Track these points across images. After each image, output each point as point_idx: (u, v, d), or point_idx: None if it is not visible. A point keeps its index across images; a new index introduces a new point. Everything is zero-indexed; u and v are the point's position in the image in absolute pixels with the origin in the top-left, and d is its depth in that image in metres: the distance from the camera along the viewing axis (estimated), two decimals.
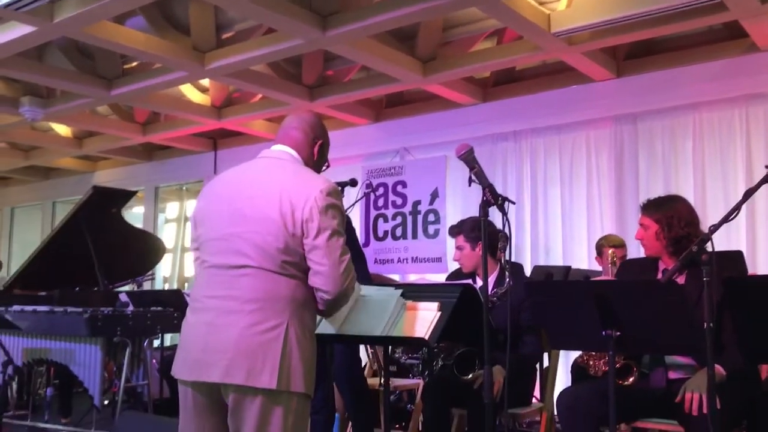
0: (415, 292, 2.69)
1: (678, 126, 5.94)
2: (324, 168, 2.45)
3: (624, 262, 3.59)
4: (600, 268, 5.12)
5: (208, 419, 2.19)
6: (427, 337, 2.49)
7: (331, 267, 2.10)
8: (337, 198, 2.16)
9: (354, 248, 4.12)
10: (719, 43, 5.72)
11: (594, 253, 5.33)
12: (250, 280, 2.11)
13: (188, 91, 7.35)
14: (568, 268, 5.53)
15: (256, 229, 2.13)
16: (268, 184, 2.18)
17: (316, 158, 2.35)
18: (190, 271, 9.92)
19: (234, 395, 2.09)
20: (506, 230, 2.60)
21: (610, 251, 4.25)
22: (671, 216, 3.01)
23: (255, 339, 2.07)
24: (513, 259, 6.20)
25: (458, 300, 2.61)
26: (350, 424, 4.26)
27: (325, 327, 2.73)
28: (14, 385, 5.71)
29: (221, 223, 2.20)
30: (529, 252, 6.61)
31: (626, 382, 2.91)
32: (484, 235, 2.48)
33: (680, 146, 5.92)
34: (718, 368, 2.74)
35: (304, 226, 2.10)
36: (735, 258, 3.74)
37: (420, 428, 4.22)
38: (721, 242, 5.14)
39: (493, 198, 2.42)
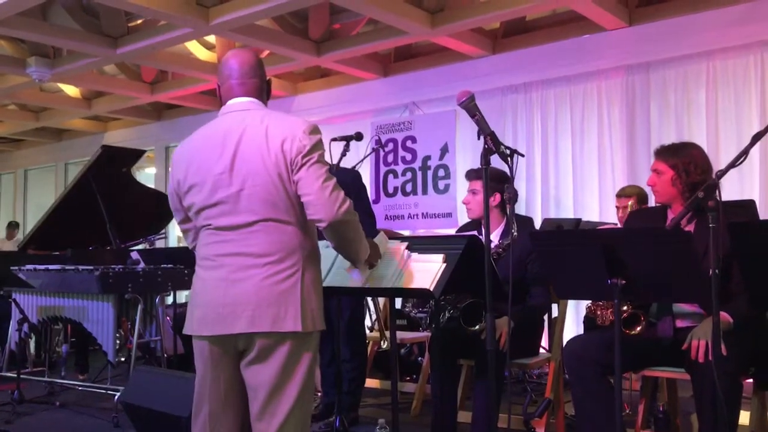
0: (420, 245, 2.68)
1: (691, 74, 5.82)
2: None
3: (632, 212, 3.56)
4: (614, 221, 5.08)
5: (223, 370, 2.26)
6: (432, 289, 2.50)
7: (316, 192, 2.14)
8: (317, 133, 2.22)
9: (363, 205, 4.14)
10: None
11: (605, 205, 5.30)
12: (262, 234, 2.17)
13: (195, 48, 7.29)
14: (578, 221, 5.50)
15: (256, 183, 2.16)
16: (252, 137, 2.19)
17: (267, 99, 2.38)
18: None
19: (261, 341, 2.17)
20: (511, 180, 2.56)
21: (630, 201, 4.23)
22: (688, 162, 2.96)
23: (275, 288, 2.16)
24: (523, 212, 6.25)
25: (463, 251, 2.60)
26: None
27: (332, 280, 2.75)
28: (32, 343, 5.81)
29: (216, 186, 2.20)
30: (539, 205, 6.57)
31: (634, 332, 2.91)
32: (486, 182, 2.45)
33: (693, 95, 5.81)
34: (725, 316, 2.73)
35: (293, 167, 2.15)
36: (746, 206, 3.70)
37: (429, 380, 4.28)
38: (734, 192, 5.12)
39: (494, 145, 2.38)
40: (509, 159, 2.48)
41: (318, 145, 2.19)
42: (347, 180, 4.10)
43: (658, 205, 3.19)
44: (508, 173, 2.53)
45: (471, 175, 3.75)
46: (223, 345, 2.23)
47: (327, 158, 2.28)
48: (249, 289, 2.15)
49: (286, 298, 2.16)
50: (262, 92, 2.34)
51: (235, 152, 2.19)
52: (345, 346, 4.06)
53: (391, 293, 2.94)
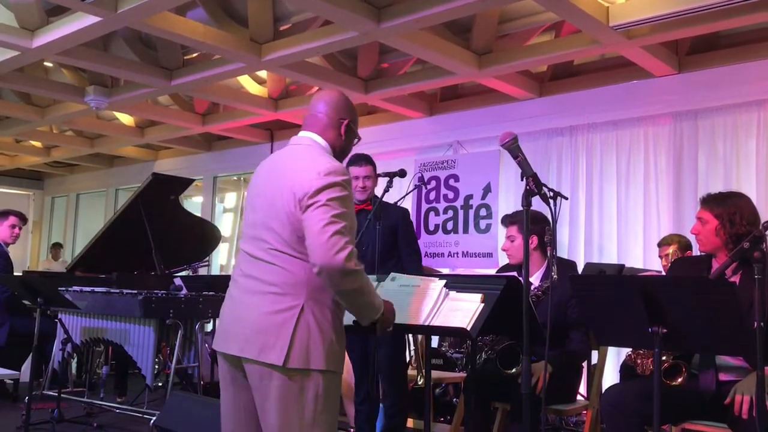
0: (459, 283, 2.68)
1: (741, 124, 5.73)
2: (356, 142, 2.46)
3: (676, 260, 3.51)
4: (658, 268, 5.00)
5: (239, 390, 2.27)
6: (468, 328, 2.49)
7: (314, 235, 2.09)
8: (336, 176, 2.16)
9: (409, 241, 4.15)
10: None
11: (649, 253, 5.21)
12: (271, 264, 2.20)
13: (246, 82, 7.48)
14: (621, 266, 5.43)
15: (269, 215, 2.22)
16: (280, 171, 2.26)
17: (344, 137, 2.37)
18: None
19: (249, 369, 2.18)
20: (552, 223, 2.56)
21: (671, 249, 4.16)
22: (733, 212, 2.90)
23: (270, 319, 2.14)
24: (566, 257, 6.18)
25: (502, 292, 2.59)
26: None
27: None
28: (74, 363, 5.92)
29: (250, 212, 2.33)
30: (582, 250, 6.50)
31: (675, 383, 2.84)
32: (526, 224, 2.45)
33: (743, 145, 5.72)
34: None
35: (302, 207, 2.14)
36: None
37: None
38: None
39: (536, 187, 2.39)
40: (552, 201, 2.48)
41: (329, 187, 2.13)
42: (395, 215, 4.13)
43: (702, 254, 3.14)
44: (550, 216, 2.53)
45: (506, 221, 3.74)
46: (235, 365, 2.26)
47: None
48: (251, 315, 2.19)
49: (278, 330, 2.13)
50: (330, 130, 2.35)
51: (266, 184, 2.29)
52: (384, 382, 4.04)
53: (427, 331, 2.93)
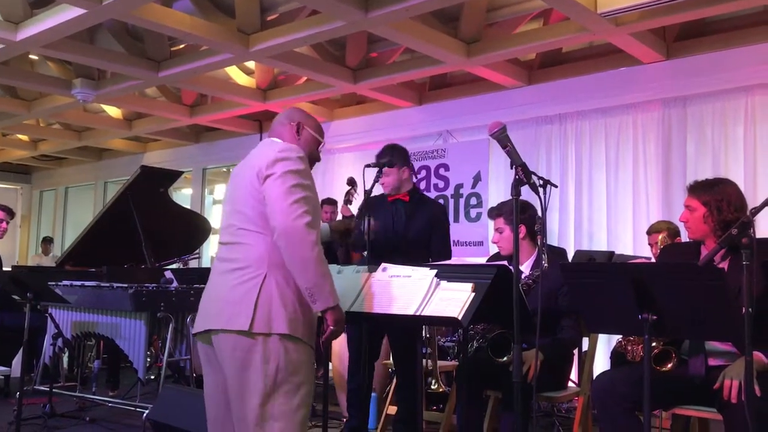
0: (450, 273, 2.68)
1: (729, 110, 5.77)
2: (320, 147, 2.63)
3: (665, 246, 3.51)
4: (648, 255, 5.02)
5: (215, 371, 2.38)
6: (460, 318, 2.49)
7: (273, 202, 2.25)
8: (290, 152, 2.35)
9: (444, 242, 4.12)
10: None
11: (639, 239, 5.23)
12: (238, 244, 2.35)
13: (234, 73, 7.44)
14: (611, 254, 5.45)
15: (237, 200, 2.41)
16: (245, 165, 2.45)
17: (297, 137, 2.55)
18: None
19: (217, 339, 2.29)
20: (542, 212, 2.56)
21: (660, 236, 4.17)
22: (720, 199, 2.90)
23: (236, 290, 2.27)
24: (556, 244, 6.20)
25: (493, 281, 2.60)
26: (387, 403, 4.29)
27: (359, 306, 2.76)
28: (65, 358, 5.90)
29: (224, 204, 2.52)
30: (572, 237, 6.53)
31: (665, 368, 2.86)
32: (516, 213, 2.46)
33: (731, 131, 5.75)
34: (760, 356, 2.68)
35: (260, 179, 2.31)
36: None
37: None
38: None
39: (525, 176, 2.39)
40: (541, 190, 2.48)
41: (285, 159, 2.30)
42: (434, 209, 4.14)
43: (691, 240, 3.15)
44: (540, 204, 2.53)
45: (492, 214, 3.74)
46: (205, 340, 2.38)
47: (359, 184, 2.34)
48: (219, 291, 2.34)
49: (242, 298, 2.25)
50: (286, 133, 2.56)
51: (236, 179, 2.47)
52: (400, 376, 4.03)
53: (418, 321, 2.94)
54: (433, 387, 4.40)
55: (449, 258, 4.21)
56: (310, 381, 2.33)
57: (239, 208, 2.37)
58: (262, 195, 2.29)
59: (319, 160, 2.65)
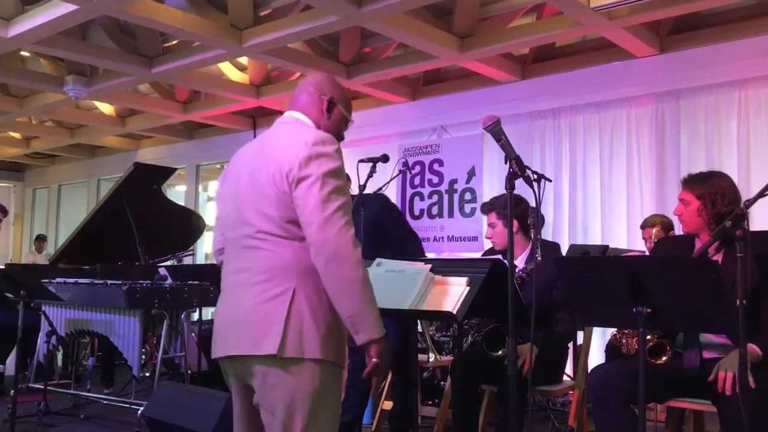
0: (444, 267, 2.69)
1: (722, 104, 5.78)
2: (348, 125, 2.33)
3: (659, 240, 3.53)
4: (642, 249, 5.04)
5: (244, 399, 2.12)
6: (455, 312, 2.50)
7: (310, 212, 1.92)
8: (325, 146, 1.99)
9: (402, 223, 4.10)
10: (766, 17, 5.53)
11: (633, 233, 5.25)
12: (258, 249, 2.02)
13: (227, 69, 7.42)
14: (605, 247, 5.45)
15: (255, 196, 2.04)
16: (264, 151, 2.08)
17: (327, 115, 2.21)
18: None
19: (243, 366, 2.02)
20: (537, 205, 2.56)
21: (654, 230, 4.18)
22: (715, 192, 2.91)
23: (260, 308, 1.97)
24: (550, 238, 6.21)
25: (487, 275, 2.60)
26: (382, 398, 4.29)
27: None
28: (59, 356, 5.89)
29: (233, 197, 2.13)
30: (566, 231, 6.54)
31: (659, 361, 2.87)
32: (510, 207, 2.45)
33: (724, 124, 5.76)
34: (754, 348, 2.69)
35: (291, 181, 1.96)
36: None
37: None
38: (764, 222, 5.04)
39: (519, 170, 2.39)
40: (536, 184, 2.48)
41: (319, 157, 1.96)
42: (374, 205, 4.09)
43: (685, 234, 3.16)
44: (534, 198, 2.53)
45: (484, 209, 3.72)
46: (234, 371, 2.10)
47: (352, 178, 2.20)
48: (240, 309, 2.02)
49: (270, 318, 1.95)
50: (312, 107, 2.20)
51: (248, 165, 2.11)
52: (393, 369, 4.02)
53: (413, 315, 2.94)
54: (431, 359, 4.37)
55: (417, 239, 4.18)
56: (339, 402, 2.09)
57: (260, 207, 2.01)
58: (290, 198, 1.96)
59: (342, 139, 2.26)
